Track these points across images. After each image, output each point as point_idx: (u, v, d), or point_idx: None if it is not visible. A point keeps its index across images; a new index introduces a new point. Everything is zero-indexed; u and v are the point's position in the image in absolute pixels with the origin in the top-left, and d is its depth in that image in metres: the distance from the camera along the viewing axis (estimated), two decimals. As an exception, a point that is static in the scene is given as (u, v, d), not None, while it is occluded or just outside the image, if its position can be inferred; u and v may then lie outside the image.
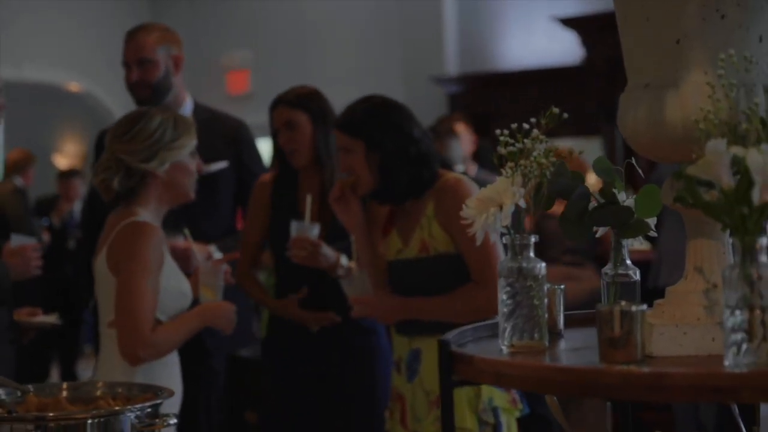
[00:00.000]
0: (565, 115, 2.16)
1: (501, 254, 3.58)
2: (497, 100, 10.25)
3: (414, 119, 3.78)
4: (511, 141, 2.17)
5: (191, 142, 3.68)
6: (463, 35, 11.09)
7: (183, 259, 4.16)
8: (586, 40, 9.87)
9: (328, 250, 4.15)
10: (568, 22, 9.90)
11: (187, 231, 4.27)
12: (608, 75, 9.43)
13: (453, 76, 10.89)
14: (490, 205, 2.15)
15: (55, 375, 9.59)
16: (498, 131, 2.17)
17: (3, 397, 3.09)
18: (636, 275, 2.42)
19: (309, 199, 4.18)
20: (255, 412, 7.41)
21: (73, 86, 12.98)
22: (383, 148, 3.70)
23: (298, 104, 4.30)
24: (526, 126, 2.18)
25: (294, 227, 4.19)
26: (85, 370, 10.62)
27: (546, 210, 2.28)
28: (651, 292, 2.84)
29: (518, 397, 3.65)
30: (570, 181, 2.31)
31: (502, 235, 2.21)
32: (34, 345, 4.59)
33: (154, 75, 4.65)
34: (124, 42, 4.72)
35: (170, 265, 3.66)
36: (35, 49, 12.12)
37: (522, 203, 2.15)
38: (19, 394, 3.13)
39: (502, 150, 2.17)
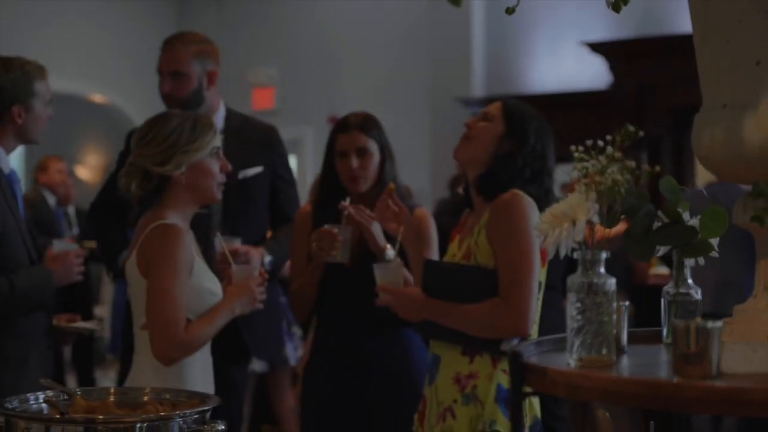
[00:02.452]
0: (641, 133, 2.18)
1: (535, 278, 3.60)
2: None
3: (552, 145, 3.77)
4: (586, 158, 2.19)
5: (211, 143, 3.67)
6: (490, 57, 11.12)
7: (245, 261, 4.20)
8: (614, 66, 9.90)
9: (380, 233, 4.16)
10: (597, 47, 9.93)
11: (239, 241, 4.30)
12: (636, 100, 9.48)
13: (480, 98, 10.91)
14: (564, 220, 2.16)
15: (71, 381, 9.57)
16: (573, 147, 2.18)
17: (54, 399, 3.11)
18: (697, 294, 2.43)
19: (347, 199, 4.21)
20: (271, 424, 7.44)
21: (97, 97, 13.03)
22: (521, 142, 3.68)
23: (370, 131, 4.29)
24: (600, 143, 2.20)
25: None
26: (102, 377, 10.63)
27: (611, 227, 2.29)
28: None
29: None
30: (636, 200, 2.33)
31: (573, 250, 2.22)
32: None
33: (186, 89, 4.61)
34: (161, 48, 4.69)
35: (201, 266, 3.67)
36: (60, 59, 12.13)
37: (595, 219, 2.17)
38: (66, 396, 3.16)
39: (577, 166, 2.18)
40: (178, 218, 3.63)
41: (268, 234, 4.81)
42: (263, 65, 12.68)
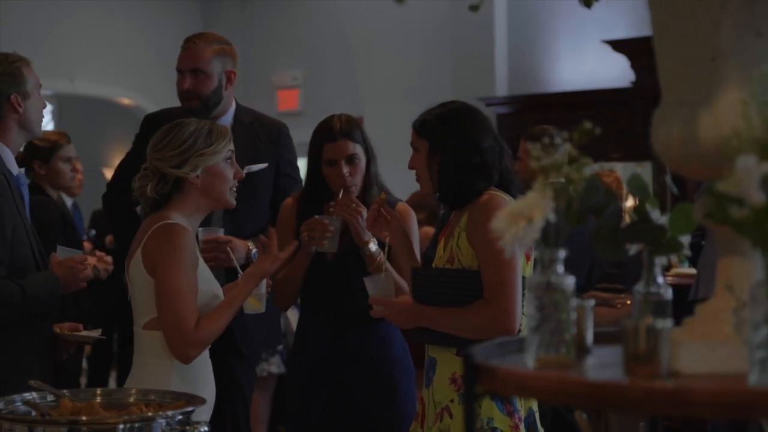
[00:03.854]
0: (597, 131, 2.15)
1: (518, 276, 3.62)
2: (546, 121, 10.20)
3: (490, 130, 3.84)
4: (543, 155, 2.17)
5: (226, 149, 3.74)
6: (513, 57, 11.09)
7: (224, 252, 4.22)
8: (636, 64, 9.84)
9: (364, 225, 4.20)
10: (619, 45, 9.89)
11: (222, 231, 4.33)
12: (658, 98, 9.38)
13: (502, 97, 10.89)
14: (520, 218, 2.14)
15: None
16: (530, 145, 2.16)
17: (37, 401, 3.13)
18: (668, 294, 2.40)
19: (341, 193, 4.26)
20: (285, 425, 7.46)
21: (125, 100, 13.10)
22: (443, 151, 3.75)
23: (356, 137, 4.32)
24: (559, 140, 2.18)
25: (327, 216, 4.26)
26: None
27: (575, 226, 2.27)
28: (691, 305, 2.82)
29: (522, 425, 3.65)
30: (603, 198, 2.30)
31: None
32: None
33: (206, 87, 4.67)
34: (182, 47, 4.74)
35: (203, 268, 3.74)
36: (88, 63, 12.25)
37: (552, 217, 2.14)
38: (53, 398, 3.17)
39: (533, 164, 2.16)
40: (182, 220, 3.66)
41: None
42: (287, 67, 12.74)
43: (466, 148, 3.74)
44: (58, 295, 4.02)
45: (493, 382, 2.02)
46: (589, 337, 2.36)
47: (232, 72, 4.75)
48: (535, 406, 3.74)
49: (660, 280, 2.40)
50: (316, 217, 4.22)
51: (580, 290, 5.87)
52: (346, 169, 4.29)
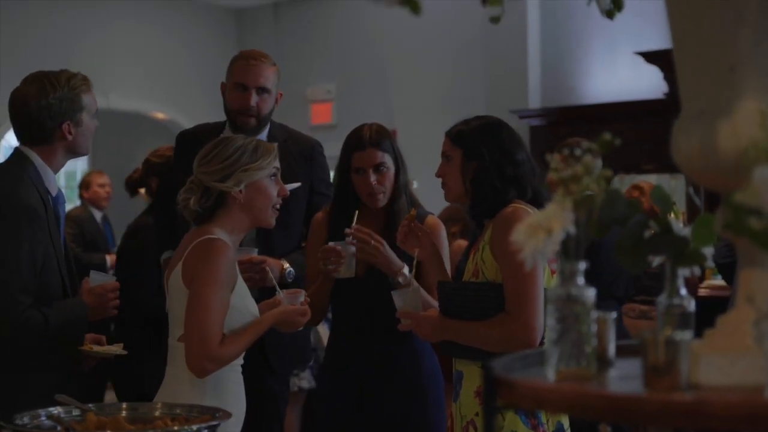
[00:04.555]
0: (618, 142, 2.14)
1: (540, 289, 3.61)
2: (578, 134, 10.16)
3: (522, 145, 3.86)
4: (562, 166, 2.16)
5: (271, 166, 3.75)
6: (546, 69, 11.07)
7: (259, 272, 4.24)
8: (669, 75, 9.78)
9: (392, 253, 4.20)
10: (652, 57, 9.84)
11: (256, 251, 4.35)
12: (691, 110, 9.36)
13: (535, 110, 10.87)
14: (540, 230, 2.13)
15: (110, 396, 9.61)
16: (548, 155, 2.16)
17: (62, 415, 3.14)
18: (691, 306, 2.38)
19: (356, 214, 4.28)
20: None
21: (159, 115, 13.16)
22: (480, 160, 3.77)
23: (385, 146, 4.34)
24: (578, 151, 2.18)
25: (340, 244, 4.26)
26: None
27: (597, 237, 2.26)
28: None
29: None
30: (625, 209, 2.29)
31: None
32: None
33: (268, 106, 4.75)
34: (239, 63, 4.77)
35: (242, 286, 3.74)
36: (122, 78, 12.33)
37: (572, 229, 2.13)
38: (79, 412, 3.19)
39: (553, 175, 2.16)
40: (225, 236, 3.67)
41: None
42: (321, 80, 12.77)
43: (501, 159, 3.77)
44: (83, 322, 4.01)
45: (513, 395, 2.02)
46: (611, 349, 2.35)
47: (281, 93, 4.84)
48: (566, 421, 3.72)
49: (683, 291, 2.38)
50: (330, 244, 4.24)
51: (619, 302, 5.87)
52: (373, 178, 4.31)
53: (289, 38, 13.04)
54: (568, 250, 2.17)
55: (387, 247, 4.17)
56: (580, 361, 2.14)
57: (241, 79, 4.70)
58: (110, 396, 9.26)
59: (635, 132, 8.82)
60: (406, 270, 4.18)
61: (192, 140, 4.73)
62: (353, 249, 4.21)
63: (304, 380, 7.38)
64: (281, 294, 3.96)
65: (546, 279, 3.66)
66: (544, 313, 3.59)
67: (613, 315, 2.37)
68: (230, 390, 3.69)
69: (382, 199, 4.36)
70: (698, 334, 2.23)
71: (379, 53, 12.25)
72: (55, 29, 11.76)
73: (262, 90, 4.69)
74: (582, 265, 2.18)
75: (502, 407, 2.07)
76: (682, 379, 1.92)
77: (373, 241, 4.17)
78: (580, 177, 2.14)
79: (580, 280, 2.17)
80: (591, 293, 2.17)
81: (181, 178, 4.59)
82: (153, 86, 12.71)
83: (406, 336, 4.24)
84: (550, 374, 2.14)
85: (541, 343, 3.63)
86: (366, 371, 4.37)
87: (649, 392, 1.89)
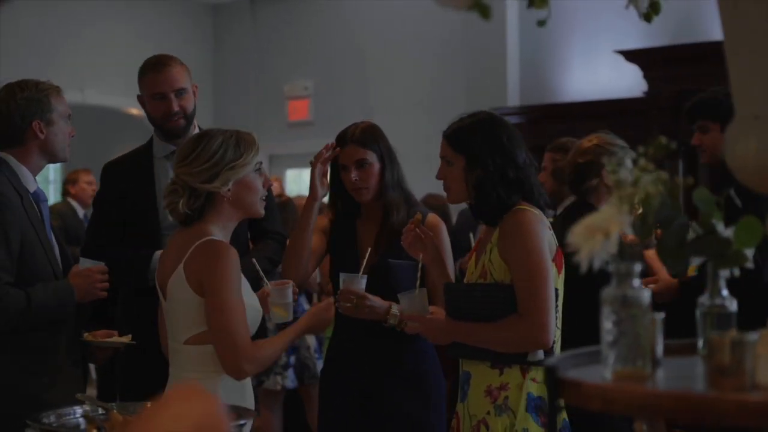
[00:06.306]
0: (673, 145, 2.17)
1: (551, 289, 3.64)
2: (558, 132, 10.22)
3: (522, 143, 3.86)
4: (618, 168, 2.18)
5: (255, 159, 3.72)
6: (525, 67, 11.10)
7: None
8: (649, 74, 9.86)
9: (376, 302, 4.25)
10: (632, 56, 9.89)
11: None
12: (671, 108, 9.41)
13: (514, 108, 10.89)
14: (597, 232, 2.15)
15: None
16: (606, 159, 2.18)
17: (91, 414, 3.14)
18: (732, 306, 2.42)
19: (369, 251, 4.31)
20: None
21: (134, 110, 13.10)
22: (484, 168, 3.78)
23: (368, 143, 4.40)
24: (633, 156, 2.20)
25: (342, 278, 4.31)
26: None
27: (645, 239, 2.29)
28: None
29: None
30: (670, 212, 2.32)
31: (608, 263, 2.21)
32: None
33: (191, 103, 4.76)
34: (150, 75, 4.78)
35: (244, 282, 3.72)
36: (98, 73, 12.26)
37: (628, 231, 2.16)
38: (102, 411, 3.18)
39: (611, 178, 2.18)
40: (219, 232, 3.66)
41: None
42: (298, 77, 12.75)
43: (504, 164, 3.77)
44: (70, 303, 4.04)
45: (577, 395, 2.04)
46: (660, 349, 2.38)
47: (196, 86, 4.86)
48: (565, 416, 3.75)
49: (725, 292, 2.42)
50: (345, 288, 4.30)
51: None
52: (354, 174, 4.42)
53: (266, 34, 13.02)
54: (623, 252, 2.19)
55: (370, 299, 4.25)
56: (636, 362, 2.16)
57: (157, 89, 4.73)
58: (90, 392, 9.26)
59: (614, 130, 8.84)
60: (394, 309, 4.24)
61: (119, 171, 4.84)
62: (364, 282, 4.29)
63: (288, 379, 7.39)
64: (268, 286, 3.99)
65: (554, 278, 3.69)
66: (556, 314, 3.64)
67: (662, 315, 2.40)
68: (242, 390, 3.68)
69: (366, 194, 4.46)
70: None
71: (357, 50, 12.25)
72: (32, 28, 11.68)
73: (181, 91, 4.72)
74: (637, 267, 2.20)
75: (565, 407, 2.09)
76: (747, 379, 1.95)
77: (355, 300, 4.24)
78: (637, 179, 2.16)
79: (636, 281, 2.19)
80: (646, 295, 2.19)
81: (108, 210, 4.64)
82: (129, 82, 12.64)
83: (409, 337, 4.27)
84: (607, 374, 2.16)
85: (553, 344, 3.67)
86: (369, 372, 4.40)
87: (722, 393, 1.91)
